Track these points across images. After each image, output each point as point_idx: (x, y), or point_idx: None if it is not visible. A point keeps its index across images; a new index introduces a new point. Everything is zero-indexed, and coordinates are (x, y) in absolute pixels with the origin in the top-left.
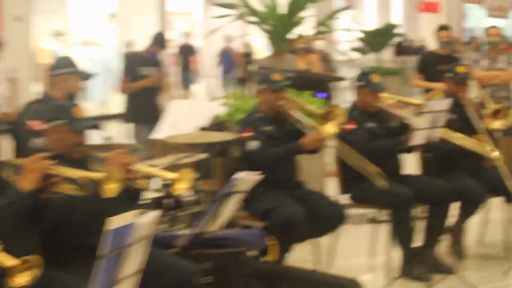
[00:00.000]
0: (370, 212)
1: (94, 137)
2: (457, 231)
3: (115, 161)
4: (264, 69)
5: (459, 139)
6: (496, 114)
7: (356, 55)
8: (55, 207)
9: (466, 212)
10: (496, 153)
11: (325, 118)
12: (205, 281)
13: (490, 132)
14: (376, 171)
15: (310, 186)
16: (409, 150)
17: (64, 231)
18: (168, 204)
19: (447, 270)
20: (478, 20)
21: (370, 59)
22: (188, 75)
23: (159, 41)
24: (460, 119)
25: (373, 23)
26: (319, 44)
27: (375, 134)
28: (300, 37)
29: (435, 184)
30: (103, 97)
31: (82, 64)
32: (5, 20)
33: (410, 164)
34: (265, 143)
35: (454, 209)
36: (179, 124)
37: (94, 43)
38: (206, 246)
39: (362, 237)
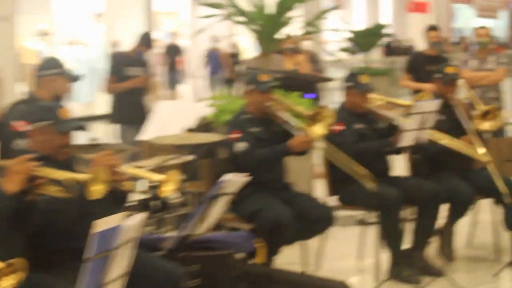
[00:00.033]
0: (358, 214)
1: (79, 138)
2: (446, 233)
3: (101, 162)
4: (251, 69)
5: (448, 141)
6: (485, 115)
7: (344, 56)
8: (40, 209)
9: (456, 214)
10: (485, 155)
11: (313, 119)
12: (192, 284)
13: (480, 133)
14: (365, 173)
15: (298, 188)
16: (398, 151)
17: (50, 233)
18: (154, 206)
19: (436, 273)
20: (467, 20)
21: (358, 60)
22: (174, 76)
23: (146, 41)
24: (449, 120)
25: (361, 23)
26: (307, 45)
27: (363, 136)
28: (288, 37)
29: (424, 186)
30: (89, 98)
31: (68, 64)
32: None
33: (399, 166)
34: (252, 144)
35: (443, 211)
36: (165, 125)
37: (80, 43)
38: (193, 248)
39: (351, 239)
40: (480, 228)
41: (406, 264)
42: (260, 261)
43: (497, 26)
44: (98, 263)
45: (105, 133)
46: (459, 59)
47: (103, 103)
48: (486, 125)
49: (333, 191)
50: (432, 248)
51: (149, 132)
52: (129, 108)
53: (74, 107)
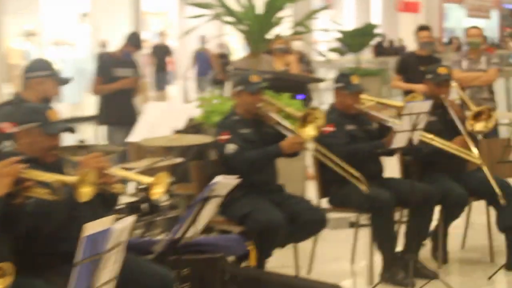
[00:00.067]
0: (350, 216)
1: (67, 140)
2: (439, 236)
3: (90, 164)
4: (241, 70)
5: (440, 143)
6: (478, 116)
7: (334, 56)
8: (28, 213)
9: (449, 216)
10: (478, 156)
11: (304, 120)
12: None
13: (472, 135)
14: (357, 175)
15: (290, 190)
16: (391, 153)
17: (38, 237)
18: (143, 209)
19: (430, 276)
20: (458, 20)
21: (349, 60)
22: (162, 76)
23: (134, 41)
24: (441, 121)
25: (351, 23)
26: (297, 45)
27: (354, 137)
28: (278, 37)
29: (417, 188)
30: (76, 99)
31: (54, 65)
32: None
33: (391, 167)
34: (242, 146)
35: (435, 213)
36: (154, 127)
37: (67, 43)
38: (184, 252)
39: (343, 242)
40: (474, 230)
41: (399, 267)
42: (251, 265)
43: (488, 26)
44: (87, 267)
45: (92, 135)
46: (450, 59)
47: (91, 104)
48: (479, 126)
49: (323, 193)
50: (425, 251)
51: (138, 133)
52: (118, 110)
53: (61, 108)
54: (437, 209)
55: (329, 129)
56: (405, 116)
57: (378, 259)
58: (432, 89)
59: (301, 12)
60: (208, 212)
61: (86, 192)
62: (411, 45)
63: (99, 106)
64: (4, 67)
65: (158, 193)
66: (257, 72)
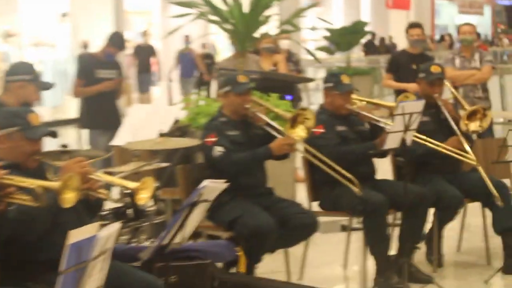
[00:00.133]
0: (342, 219)
1: (49, 145)
2: (434, 238)
3: (73, 169)
4: (227, 70)
5: (431, 144)
6: (472, 115)
7: (323, 55)
8: (10, 219)
9: (443, 218)
10: (473, 157)
11: (293, 121)
12: None
13: (467, 134)
14: (349, 177)
15: (279, 193)
16: (384, 154)
17: (21, 244)
18: (129, 214)
19: (424, 279)
20: (450, 17)
21: (338, 59)
22: (146, 78)
23: (117, 41)
24: (434, 121)
25: (340, 21)
26: (285, 44)
27: (345, 138)
28: (265, 36)
29: (411, 190)
30: (57, 102)
31: (36, 68)
32: None
33: (383, 169)
34: (230, 148)
35: (429, 215)
36: (139, 130)
37: (46, 44)
38: (171, 258)
39: (335, 246)
40: (469, 233)
41: (393, 271)
42: (241, 270)
43: (481, 22)
44: (73, 276)
45: (74, 138)
46: (442, 57)
47: (72, 107)
48: (474, 126)
49: (314, 196)
50: (419, 254)
51: (122, 137)
52: (100, 113)
53: (42, 112)
54: (431, 212)
55: (319, 130)
56: (398, 116)
57: (371, 263)
58: (424, 88)
59: (288, 10)
60: (196, 217)
61: (69, 198)
62: (402, 43)
63: (81, 109)
64: None
65: (144, 198)
66: (244, 72)
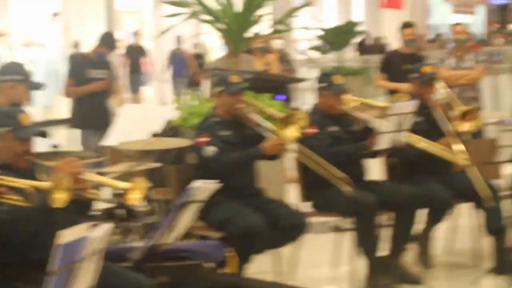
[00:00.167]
0: (333, 220)
1: (40, 145)
2: (424, 239)
3: (64, 169)
4: (219, 70)
5: (425, 144)
6: (464, 115)
7: (315, 55)
8: (1, 219)
9: (433, 219)
10: (464, 157)
11: (285, 121)
12: None
13: (459, 135)
14: (341, 176)
15: (270, 194)
16: (374, 155)
17: (11, 244)
18: (120, 215)
19: (414, 280)
20: (443, 16)
21: (331, 59)
22: (137, 78)
23: (108, 41)
24: (427, 122)
25: (333, 21)
26: (277, 44)
27: (338, 139)
28: (257, 36)
29: (401, 190)
30: (47, 101)
31: (26, 68)
32: None
33: (375, 170)
34: (222, 148)
35: (421, 216)
36: (130, 130)
37: (37, 43)
38: (162, 259)
39: (325, 247)
40: (459, 234)
41: (383, 271)
42: (231, 271)
43: (474, 22)
44: (63, 277)
45: (65, 139)
46: (435, 57)
47: (63, 107)
48: (465, 126)
49: (306, 196)
50: (409, 255)
51: (113, 137)
52: (91, 113)
53: (32, 112)
54: (423, 212)
55: (312, 130)
56: (391, 117)
57: (361, 264)
58: (417, 88)
59: (281, 10)
60: (188, 217)
61: (60, 198)
62: (395, 43)
63: (72, 109)
64: None
65: (136, 198)
66: (237, 72)
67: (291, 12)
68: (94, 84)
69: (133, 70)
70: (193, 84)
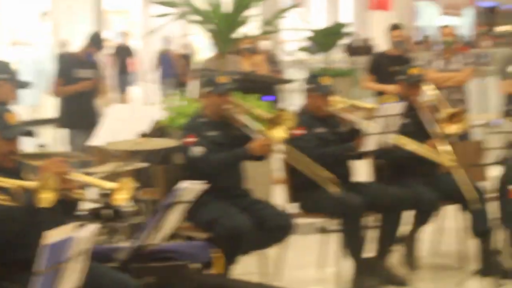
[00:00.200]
0: (319, 221)
1: (27, 144)
2: (410, 241)
3: (50, 169)
4: (207, 71)
5: (412, 146)
6: (451, 118)
7: (304, 56)
8: None
9: (420, 221)
10: (451, 159)
11: (273, 122)
12: None
13: (446, 137)
14: (328, 177)
15: (256, 194)
16: (361, 156)
17: None
18: (106, 215)
19: (400, 282)
20: (431, 19)
21: (319, 60)
22: (124, 78)
23: (96, 41)
24: (414, 124)
25: (321, 22)
26: (265, 44)
27: (325, 140)
28: (245, 37)
29: (387, 192)
30: (34, 101)
31: (13, 67)
32: None
33: (362, 171)
34: (209, 149)
35: (408, 218)
36: (118, 130)
37: (25, 43)
38: (148, 259)
39: (311, 248)
40: (445, 236)
41: (368, 273)
42: (217, 272)
43: (462, 24)
44: (48, 277)
45: (52, 138)
46: (423, 59)
47: (51, 107)
48: (452, 128)
49: (293, 198)
50: (395, 257)
51: (100, 137)
52: (79, 112)
53: (19, 111)
54: (410, 214)
55: (299, 131)
56: (378, 118)
57: (347, 265)
58: (404, 90)
59: (269, 11)
60: (175, 218)
61: (47, 198)
62: (383, 44)
63: (59, 109)
64: None
65: (122, 199)
66: (225, 73)
67: (279, 13)
68: (81, 83)
69: (120, 70)
70: (180, 84)
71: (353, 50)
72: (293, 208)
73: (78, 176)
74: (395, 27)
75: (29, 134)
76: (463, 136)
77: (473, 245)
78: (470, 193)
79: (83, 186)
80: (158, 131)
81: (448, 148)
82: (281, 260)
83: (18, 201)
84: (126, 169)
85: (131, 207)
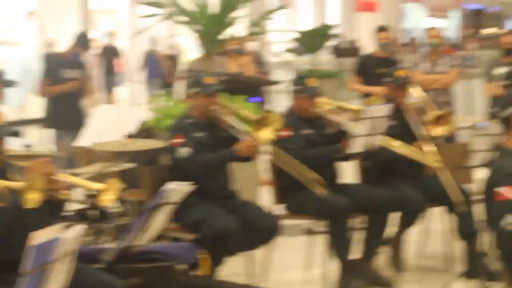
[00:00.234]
0: (306, 223)
1: (13, 144)
2: (396, 243)
3: (37, 169)
4: (194, 72)
5: (399, 147)
6: (437, 120)
7: (290, 57)
8: None
9: (406, 223)
10: (437, 162)
11: (260, 123)
12: None
13: (432, 139)
14: (315, 178)
15: (243, 196)
16: (347, 158)
17: None
18: (92, 216)
19: (386, 283)
20: (417, 20)
21: (306, 61)
22: (111, 78)
23: (83, 41)
24: (400, 126)
25: (308, 23)
26: (252, 46)
27: (311, 141)
28: (232, 38)
29: (374, 194)
30: (20, 101)
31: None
32: None
33: (348, 173)
34: (196, 150)
35: (394, 220)
36: (104, 131)
37: (12, 42)
38: (134, 260)
39: (298, 249)
40: (431, 238)
41: (355, 274)
42: (203, 273)
43: (448, 26)
44: (35, 278)
45: (39, 138)
46: (409, 60)
47: (37, 107)
48: (438, 131)
49: (280, 199)
50: (381, 258)
51: (87, 138)
52: (65, 112)
53: (5, 110)
54: (396, 216)
55: (286, 133)
56: (365, 120)
57: (333, 267)
58: (391, 92)
59: (257, 12)
60: (161, 219)
61: (33, 199)
62: (370, 46)
63: (46, 109)
64: None
65: (109, 200)
66: (212, 74)
67: (266, 15)
68: (68, 84)
69: (107, 70)
70: (167, 85)
71: (340, 52)
72: (279, 209)
73: (64, 176)
74: (382, 29)
75: (15, 134)
76: (449, 138)
77: (459, 247)
78: (456, 195)
79: (70, 186)
80: (145, 132)
81: (434, 150)
82: (267, 262)
83: (4, 201)
84: (112, 170)
85: (118, 208)
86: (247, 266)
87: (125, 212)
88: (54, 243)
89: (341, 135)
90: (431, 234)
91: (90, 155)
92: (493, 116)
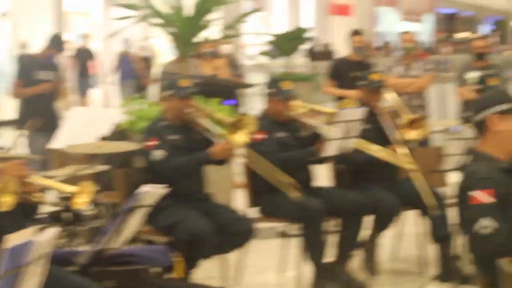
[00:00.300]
0: (280, 226)
1: None
2: (370, 246)
3: (10, 172)
4: (168, 74)
5: (374, 150)
6: (411, 124)
7: (265, 60)
8: None
9: (379, 226)
10: (411, 165)
11: (234, 126)
12: None
13: (406, 143)
14: (289, 181)
15: (217, 199)
16: (321, 161)
17: None
18: (66, 218)
19: (360, 287)
20: (391, 24)
21: (280, 64)
22: (85, 81)
23: (56, 43)
24: (374, 129)
25: (283, 26)
26: (226, 48)
27: (286, 145)
28: (207, 41)
29: (348, 197)
30: None
31: None
32: None
33: (322, 176)
34: (170, 152)
35: (368, 223)
36: (78, 133)
37: None
38: (108, 263)
39: (272, 252)
40: (405, 241)
41: (328, 278)
42: (178, 276)
43: (422, 30)
44: (8, 281)
45: (11, 140)
46: (383, 64)
47: (10, 108)
48: (412, 134)
49: (254, 202)
50: (355, 262)
51: (61, 140)
52: (38, 114)
53: None
54: (370, 219)
55: (260, 136)
56: (339, 123)
57: (307, 270)
58: (365, 95)
59: (231, 15)
60: (135, 222)
61: (6, 202)
62: (344, 50)
63: (19, 111)
64: None
65: (83, 202)
66: (186, 76)
67: (241, 18)
68: (41, 85)
69: (81, 72)
70: (141, 87)
71: (314, 55)
72: (253, 212)
73: (38, 179)
74: (355, 32)
75: None
76: (423, 142)
77: (432, 250)
78: (430, 198)
79: (43, 189)
80: (119, 134)
81: (407, 152)
82: (241, 264)
83: None
84: (86, 172)
85: (91, 210)
86: (221, 269)
87: (99, 215)
88: (28, 246)
89: (315, 138)
90: (405, 237)
91: (63, 158)
92: (466, 120)
